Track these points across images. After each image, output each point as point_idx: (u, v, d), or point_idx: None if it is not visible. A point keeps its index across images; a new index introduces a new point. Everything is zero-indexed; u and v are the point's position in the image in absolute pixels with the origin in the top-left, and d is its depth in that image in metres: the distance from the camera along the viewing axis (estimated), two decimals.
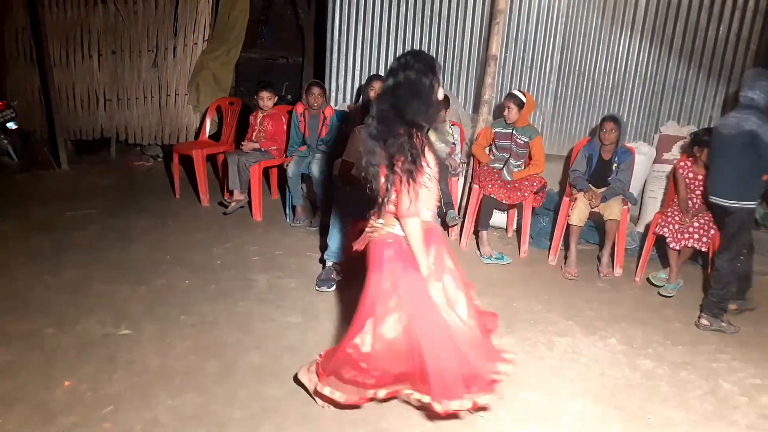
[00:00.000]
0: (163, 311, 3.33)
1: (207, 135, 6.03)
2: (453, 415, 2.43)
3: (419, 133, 2.23)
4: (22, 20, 7.04)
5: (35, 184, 6.06)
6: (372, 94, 5.01)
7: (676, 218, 4.10)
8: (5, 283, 3.59)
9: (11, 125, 6.69)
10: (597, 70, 5.54)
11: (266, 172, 5.58)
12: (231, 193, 5.14)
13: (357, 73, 5.88)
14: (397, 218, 2.32)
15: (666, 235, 4.08)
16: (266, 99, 5.26)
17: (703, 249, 3.97)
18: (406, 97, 2.21)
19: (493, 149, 4.78)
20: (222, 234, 4.67)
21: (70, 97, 7.05)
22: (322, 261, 3.96)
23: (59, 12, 6.86)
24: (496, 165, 4.69)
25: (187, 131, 6.71)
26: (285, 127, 5.37)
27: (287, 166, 4.95)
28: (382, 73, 5.89)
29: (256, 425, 2.40)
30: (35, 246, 4.22)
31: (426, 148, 2.26)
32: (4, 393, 2.52)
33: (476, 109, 5.38)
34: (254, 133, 5.32)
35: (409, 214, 2.25)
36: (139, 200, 5.51)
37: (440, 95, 2.35)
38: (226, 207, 5.10)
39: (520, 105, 4.53)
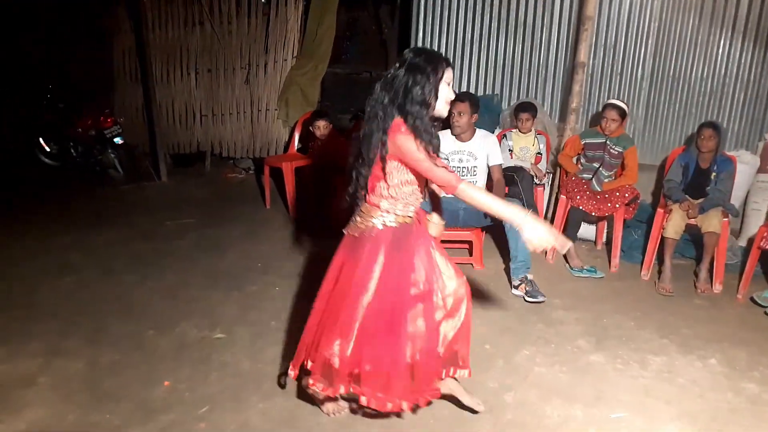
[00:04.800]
0: (254, 316, 3.46)
1: (296, 148, 6.24)
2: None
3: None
4: (129, 41, 7.60)
5: (138, 195, 6.50)
6: None
7: None
8: (111, 287, 3.86)
9: (118, 140, 7.21)
10: (694, 75, 5.25)
11: None
12: None
13: None
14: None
15: None
16: (322, 128, 5.45)
17: None
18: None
19: (582, 159, 4.64)
20: (310, 243, 4.80)
21: (169, 113, 7.49)
22: None
23: (162, 33, 7.34)
24: (584, 175, 4.55)
25: (277, 144, 6.96)
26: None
27: None
28: (464, 87, 5.89)
29: (341, 431, 2.44)
30: (138, 252, 4.51)
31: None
32: (111, 389, 2.71)
33: (563, 117, 5.26)
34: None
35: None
36: (232, 211, 5.77)
37: (443, 97, 2.14)
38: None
39: (623, 115, 4.39)
